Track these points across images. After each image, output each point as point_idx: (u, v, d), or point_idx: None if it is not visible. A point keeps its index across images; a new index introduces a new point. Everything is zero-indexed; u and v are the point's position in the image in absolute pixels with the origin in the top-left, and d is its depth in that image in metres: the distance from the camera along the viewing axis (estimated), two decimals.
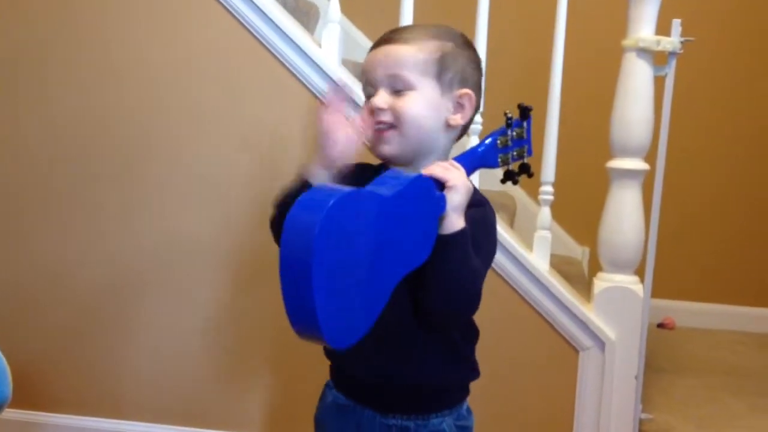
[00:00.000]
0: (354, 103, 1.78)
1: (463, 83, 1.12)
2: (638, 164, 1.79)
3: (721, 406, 2.04)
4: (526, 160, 1.17)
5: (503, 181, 1.19)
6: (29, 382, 1.89)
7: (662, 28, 1.77)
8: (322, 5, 2.31)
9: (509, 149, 1.15)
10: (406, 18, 1.79)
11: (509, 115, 1.14)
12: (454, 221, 0.99)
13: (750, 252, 2.87)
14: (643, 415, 1.86)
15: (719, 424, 1.93)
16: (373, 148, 1.12)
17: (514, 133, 1.15)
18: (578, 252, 2.80)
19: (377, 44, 1.12)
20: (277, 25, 1.79)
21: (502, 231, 1.75)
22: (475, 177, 1.53)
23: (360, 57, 2.23)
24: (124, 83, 1.88)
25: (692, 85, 2.57)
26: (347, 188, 0.89)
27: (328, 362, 1.17)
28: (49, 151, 1.91)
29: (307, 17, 2.16)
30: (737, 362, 2.47)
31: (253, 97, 1.85)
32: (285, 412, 1.90)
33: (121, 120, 1.88)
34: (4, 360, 1.39)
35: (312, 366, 1.27)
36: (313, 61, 1.80)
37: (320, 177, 1.08)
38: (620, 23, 1.82)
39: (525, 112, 1.15)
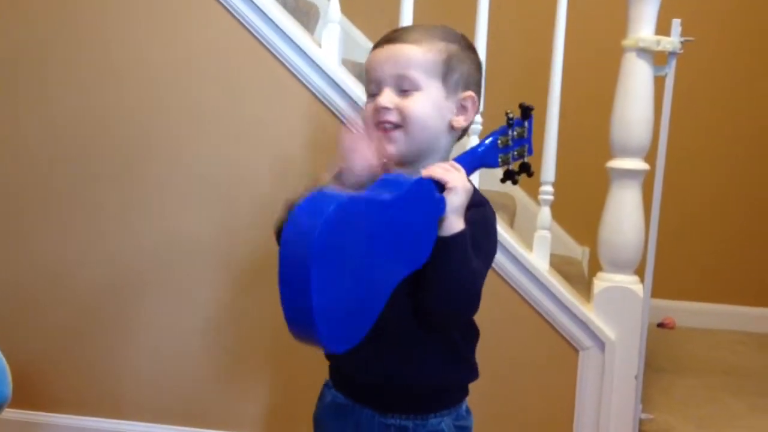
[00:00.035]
0: (355, 104, 1.79)
1: (467, 86, 1.13)
2: (638, 164, 1.79)
3: (721, 406, 2.04)
4: (526, 160, 1.17)
5: (503, 181, 1.19)
6: (29, 382, 1.89)
7: (662, 28, 1.77)
8: (322, 5, 2.31)
9: (510, 149, 1.15)
10: (406, 18, 1.79)
11: (510, 115, 1.14)
12: (454, 223, 0.99)
13: (750, 252, 2.87)
14: (643, 415, 1.86)
15: (719, 424, 1.93)
16: (376, 147, 1.12)
17: (515, 133, 1.15)
18: (578, 252, 2.80)
19: (382, 43, 1.12)
20: (277, 25, 1.80)
21: (502, 231, 1.75)
22: (475, 176, 1.53)
23: (360, 57, 2.24)
24: (124, 83, 1.88)
25: (692, 85, 2.57)
26: (348, 193, 0.88)
27: (327, 362, 1.17)
28: (49, 151, 1.91)
29: (307, 17, 2.16)
30: (737, 362, 2.47)
31: (253, 97, 1.85)
32: (284, 412, 1.90)
33: (121, 120, 1.89)
34: (3, 360, 1.39)
35: (311, 366, 1.27)
36: (313, 61, 1.80)
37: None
38: (620, 23, 1.82)
39: (526, 111, 1.15)
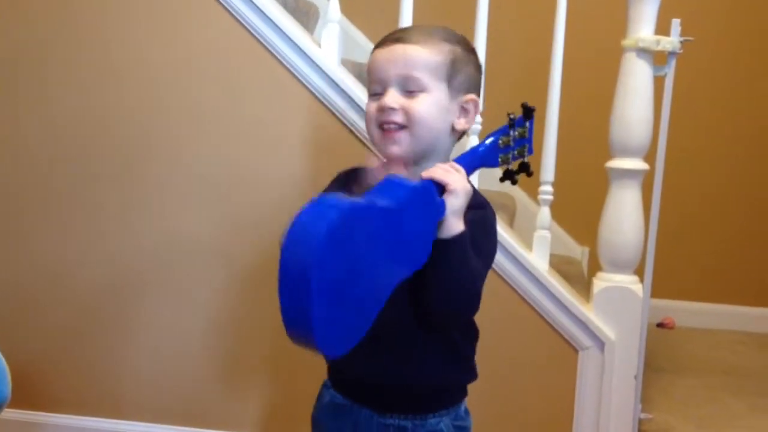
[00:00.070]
0: (356, 105, 1.79)
1: (469, 88, 1.13)
2: (638, 164, 1.79)
3: (720, 406, 2.04)
4: (526, 159, 1.17)
5: (502, 180, 1.19)
6: (29, 382, 1.89)
7: (662, 28, 1.77)
8: (321, 5, 2.31)
9: (510, 149, 1.15)
10: (406, 18, 1.79)
11: (512, 116, 1.14)
12: (454, 225, 0.99)
13: (750, 252, 2.87)
14: (643, 415, 1.86)
15: (719, 424, 1.93)
16: (379, 147, 1.11)
17: (516, 133, 1.15)
18: (578, 252, 2.80)
19: (386, 43, 1.11)
20: (276, 25, 1.80)
21: (502, 231, 1.75)
22: (474, 176, 1.53)
23: (359, 57, 2.24)
24: (124, 83, 1.88)
25: (692, 85, 2.57)
26: (350, 200, 0.88)
27: (326, 362, 1.17)
28: (49, 151, 1.91)
29: (307, 17, 2.16)
30: (737, 362, 2.47)
31: (252, 97, 1.85)
32: (284, 412, 1.90)
33: (121, 120, 1.89)
34: (3, 360, 1.39)
35: (310, 366, 1.26)
36: (312, 61, 1.80)
37: None
38: (620, 23, 1.82)
39: (529, 112, 1.15)
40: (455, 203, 0.99)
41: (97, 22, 1.88)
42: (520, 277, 1.78)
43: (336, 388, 1.17)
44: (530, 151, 1.18)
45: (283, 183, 1.85)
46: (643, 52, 1.76)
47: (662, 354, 2.43)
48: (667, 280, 2.30)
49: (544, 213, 1.83)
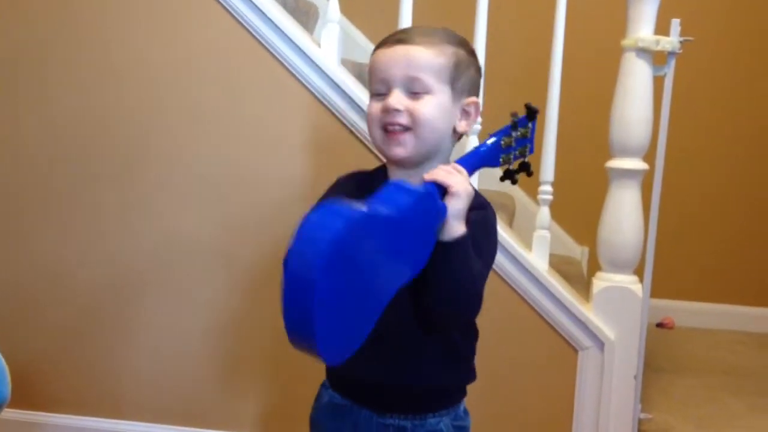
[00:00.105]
0: (356, 105, 1.79)
1: (470, 91, 1.13)
2: (637, 164, 1.80)
3: (720, 406, 2.04)
4: (527, 159, 1.17)
5: (502, 179, 1.19)
6: (29, 382, 1.89)
7: (661, 28, 1.78)
8: (321, 5, 2.31)
9: (512, 149, 1.15)
10: (406, 18, 1.79)
11: (515, 117, 1.14)
12: (455, 227, 0.99)
13: (749, 252, 2.87)
14: (642, 415, 1.86)
15: (718, 423, 1.93)
16: (382, 148, 1.11)
17: (519, 133, 1.15)
18: (577, 252, 2.80)
19: (390, 43, 1.10)
20: (276, 25, 1.80)
21: (501, 231, 1.75)
22: (474, 176, 1.53)
23: (359, 57, 2.24)
24: (124, 83, 1.88)
25: (691, 85, 2.57)
26: (356, 209, 0.87)
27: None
28: (49, 151, 1.91)
29: (307, 17, 2.16)
30: (736, 362, 2.47)
31: (252, 97, 1.85)
32: (283, 412, 1.90)
33: (121, 120, 1.89)
34: (3, 360, 1.40)
35: (310, 366, 1.26)
36: (312, 61, 1.80)
37: None
38: (619, 23, 1.82)
39: (532, 113, 1.15)
40: (457, 206, 0.99)
41: (97, 22, 1.88)
42: (519, 277, 1.78)
43: (335, 388, 1.17)
44: (531, 151, 1.18)
45: (283, 183, 1.85)
46: (642, 52, 1.76)
47: (662, 354, 2.43)
48: (666, 280, 2.30)
49: (544, 213, 1.83)
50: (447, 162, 1.13)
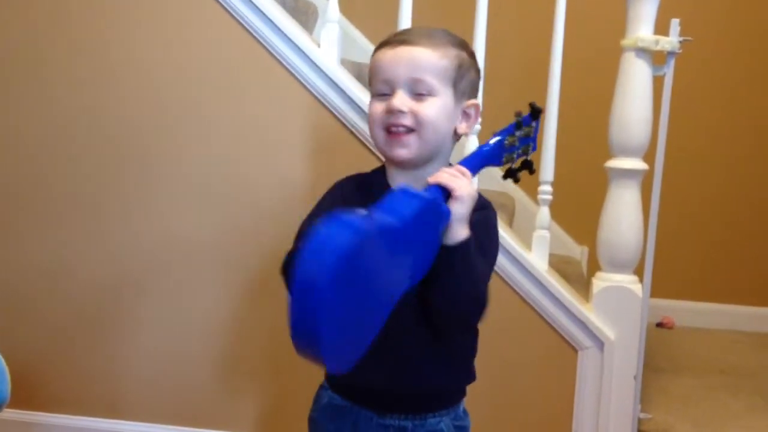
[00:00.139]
0: (356, 105, 1.79)
1: (471, 94, 1.13)
2: (637, 164, 1.80)
3: (719, 406, 2.04)
4: (529, 158, 1.17)
5: (505, 178, 1.19)
6: (28, 382, 1.89)
7: (661, 28, 1.77)
8: (320, 5, 2.31)
9: (515, 148, 1.15)
10: (405, 18, 1.78)
11: (519, 117, 1.14)
12: (458, 231, 0.99)
13: (749, 251, 2.88)
14: (642, 415, 1.86)
15: (718, 423, 1.93)
16: (384, 149, 1.11)
17: (522, 132, 1.15)
18: (577, 251, 2.80)
19: (392, 44, 1.10)
20: (276, 25, 1.80)
21: (501, 231, 1.75)
22: (474, 176, 1.53)
23: (358, 57, 2.24)
24: (124, 84, 1.88)
25: (691, 85, 2.57)
26: (365, 221, 0.86)
27: None
28: (49, 151, 1.91)
29: (306, 17, 2.16)
30: (736, 362, 2.47)
31: (252, 97, 1.85)
32: (282, 413, 1.90)
33: (121, 120, 1.88)
34: (2, 360, 1.39)
35: (309, 367, 1.26)
36: (311, 61, 1.80)
37: None
38: (619, 23, 1.82)
39: (537, 112, 1.15)
40: (461, 210, 0.99)
41: (97, 22, 1.88)
42: (519, 277, 1.78)
43: (334, 389, 1.16)
44: (534, 148, 1.18)
45: (282, 183, 1.85)
46: (642, 51, 1.76)
47: (661, 354, 2.43)
48: (666, 280, 2.30)
49: (544, 213, 1.83)
50: (447, 163, 1.13)
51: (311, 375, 1.22)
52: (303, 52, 1.80)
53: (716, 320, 2.87)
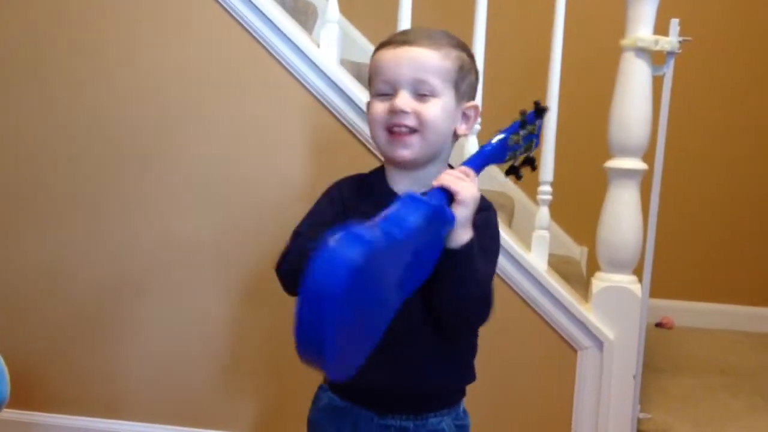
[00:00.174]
0: (355, 105, 1.79)
1: (471, 95, 1.13)
2: (636, 164, 1.80)
3: (719, 406, 2.04)
4: (532, 154, 1.17)
5: (507, 175, 1.19)
6: (27, 382, 1.89)
7: (660, 28, 1.78)
8: (320, 5, 2.31)
9: (519, 146, 1.15)
10: (405, 18, 1.78)
11: (524, 116, 1.14)
12: (462, 235, 1.00)
13: (748, 251, 2.88)
14: (641, 415, 1.86)
15: (717, 423, 1.93)
16: (385, 149, 1.11)
17: (526, 131, 1.15)
18: (576, 251, 2.80)
19: (395, 44, 1.09)
20: (275, 25, 1.80)
21: (501, 231, 1.75)
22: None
23: (358, 57, 2.24)
24: (123, 84, 1.88)
25: (690, 85, 2.57)
26: (374, 235, 0.87)
27: None
28: (49, 151, 1.91)
29: (306, 17, 2.16)
30: (736, 362, 2.47)
31: (251, 97, 1.85)
32: (281, 413, 1.90)
33: (121, 120, 1.89)
34: (2, 360, 1.39)
35: (307, 368, 1.27)
36: (311, 61, 1.80)
37: None
38: (618, 23, 1.82)
39: (542, 112, 1.15)
40: (464, 213, 0.99)
41: (97, 22, 1.88)
42: (518, 277, 1.78)
43: (334, 390, 1.16)
44: (536, 144, 1.18)
45: (282, 183, 1.85)
46: (641, 51, 1.76)
47: (661, 354, 2.43)
48: (665, 280, 2.30)
49: (543, 213, 1.84)
50: (447, 164, 1.14)
51: (311, 375, 1.21)
52: (303, 52, 1.80)
53: (716, 320, 2.88)
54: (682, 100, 2.06)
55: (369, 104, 1.12)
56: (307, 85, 1.81)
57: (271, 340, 1.87)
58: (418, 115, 1.06)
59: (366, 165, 1.22)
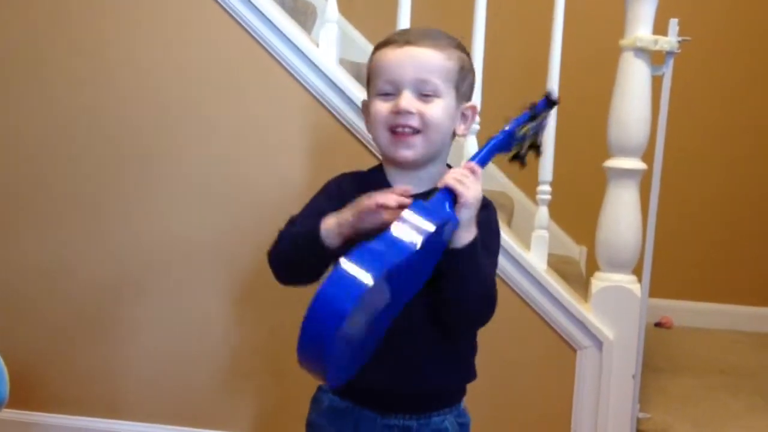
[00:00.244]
0: (354, 105, 1.79)
1: (470, 96, 1.14)
2: (636, 164, 1.80)
3: (718, 406, 2.04)
4: (538, 142, 1.17)
5: (511, 161, 1.18)
6: (27, 382, 1.89)
7: (660, 28, 1.78)
8: (319, 5, 2.31)
9: (526, 137, 1.15)
10: (404, 18, 1.79)
11: (534, 110, 1.14)
12: (464, 235, 1.00)
13: (748, 251, 2.88)
14: (641, 414, 1.86)
15: (717, 423, 1.93)
16: (387, 149, 1.10)
17: (535, 122, 1.15)
18: (576, 251, 2.80)
19: (396, 44, 1.09)
20: (274, 25, 1.80)
21: (501, 230, 1.75)
22: None
23: (357, 57, 2.24)
24: (123, 84, 1.88)
25: (689, 85, 2.57)
26: (389, 259, 0.88)
27: None
28: (49, 151, 1.91)
29: (305, 17, 2.16)
30: (735, 361, 2.47)
31: (251, 97, 1.85)
32: (281, 413, 1.90)
33: (121, 120, 1.89)
34: (2, 360, 1.39)
35: None
36: (310, 61, 1.80)
37: (332, 235, 1.03)
38: (618, 23, 1.82)
39: (552, 103, 1.15)
40: (468, 214, 1.00)
41: (96, 22, 1.88)
42: (518, 276, 1.78)
43: (334, 391, 1.16)
44: (543, 129, 1.18)
45: (281, 183, 1.85)
46: (640, 51, 1.76)
47: (660, 353, 2.43)
48: (665, 280, 2.30)
49: (542, 213, 1.84)
50: (445, 164, 1.14)
51: (310, 376, 1.22)
52: (302, 52, 1.80)
53: (716, 320, 2.88)
54: (681, 100, 2.06)
55: (369, 104, 1.12)
56: (307, 85, 1.81)
57: (271, 340, 1.87)
58: (421, 116, 1.07)
59: (365, 164, 1.22)
